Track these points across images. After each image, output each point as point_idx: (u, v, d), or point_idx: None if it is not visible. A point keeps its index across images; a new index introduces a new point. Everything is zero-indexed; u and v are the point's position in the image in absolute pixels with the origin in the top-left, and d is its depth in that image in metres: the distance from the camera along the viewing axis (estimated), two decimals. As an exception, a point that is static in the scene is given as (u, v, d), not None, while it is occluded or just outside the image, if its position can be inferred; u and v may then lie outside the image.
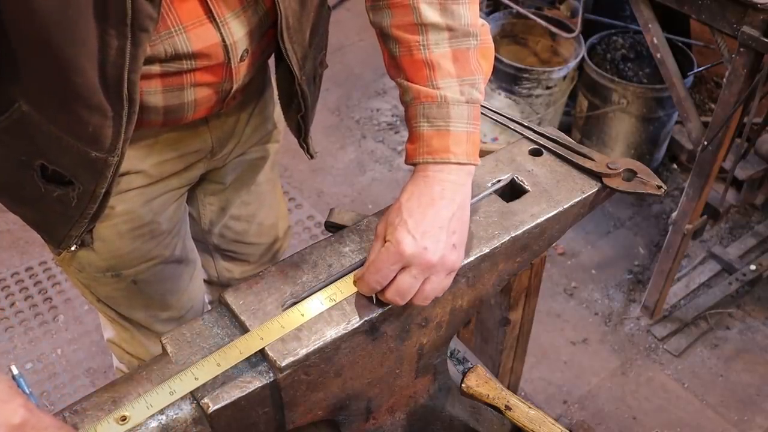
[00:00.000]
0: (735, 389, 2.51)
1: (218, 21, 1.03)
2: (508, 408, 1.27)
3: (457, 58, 1.03)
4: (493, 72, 3.10)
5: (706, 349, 2.64)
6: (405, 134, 3.46)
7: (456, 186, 1.01)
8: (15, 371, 0.88)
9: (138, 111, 1.02)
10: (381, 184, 3.25)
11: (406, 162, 1.05)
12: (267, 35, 1.14)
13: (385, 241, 0.98)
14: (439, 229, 0.98)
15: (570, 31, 2.97)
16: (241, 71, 1.13)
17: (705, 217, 2.46)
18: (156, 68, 1.03)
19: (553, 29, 2.97)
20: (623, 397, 2.49)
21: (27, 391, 0.87)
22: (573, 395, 2.49)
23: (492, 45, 1.17)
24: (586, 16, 2.82)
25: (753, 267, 2.81)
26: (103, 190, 1.10)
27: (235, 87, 1.15)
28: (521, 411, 1.27)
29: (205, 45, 1.04)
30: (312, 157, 1.44)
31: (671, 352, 2.61)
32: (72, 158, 1.05)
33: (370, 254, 1.00)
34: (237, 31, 1.06)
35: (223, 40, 1.05)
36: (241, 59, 1.10)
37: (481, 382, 1.30)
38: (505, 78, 3.06)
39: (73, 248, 1.23)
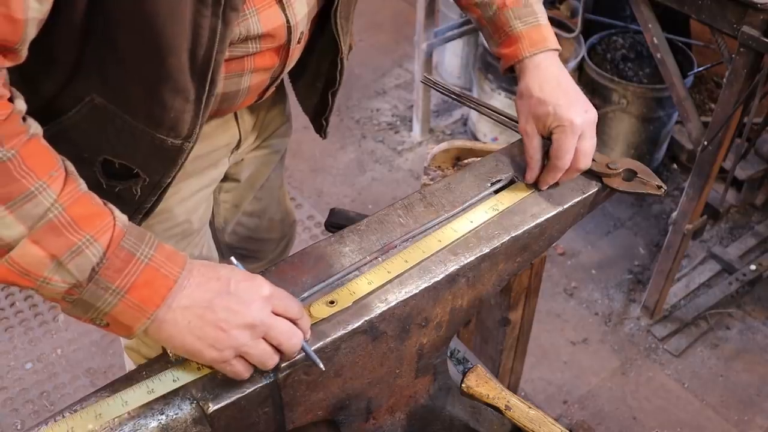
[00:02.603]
0: (735, 389, 2.51)
1: (284, 2, 1.06)
2: (508, 408, 1.27)
3: None
4: (493, 72, 3.10)
5: (706, 349, 2.64)
6: (405, 134, 3.47)
7: (557, 63, 1.21)
8: (235, 261, 0.94)
9: None
10: (381, 184, 3.25)
11: (506, 65, 1.22)
12: (316, 18, 1.18)
13: (550, 131, 1.15)
14: (578, 93, 1.18)
15: (570, 31, 2.97)
16: (294, 54, 1.17)
17: (705, 217, 2.46)
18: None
19: (553, 29, 2.97)
20: (623, 397, 2.49)
21: None
22: (573, 395, 2.49)
23: None
24: (586, 16, 2.82)
25: (753, 267, 2.81)
26: (169, 180, 1.11)
27: (284, 72, 1.19)
28: (521, 411, 1.27)
29: (273, 26, 1.07)
30: (325, 136, 1.46)
31: (671, 352, 2.61)
32: (144, 148, 1.06)
33: (531, 155, 1.18)
34: (299, 12, 1.10)
35: (288, 21, 1.08)
36: (298, 41, 1.14)
37: (481, 382, 1.30)
38: (506, 78, 3.06)
39: None
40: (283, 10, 1.07)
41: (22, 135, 0.81)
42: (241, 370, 0.89)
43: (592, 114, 1.17)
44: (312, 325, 0.96)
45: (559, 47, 1.23)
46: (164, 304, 0.84)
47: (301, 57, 1.23)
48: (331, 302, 0.99)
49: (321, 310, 0.98)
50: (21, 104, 0.84)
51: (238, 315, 0.87)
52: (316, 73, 1.31)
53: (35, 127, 0.85)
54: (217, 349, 0.87)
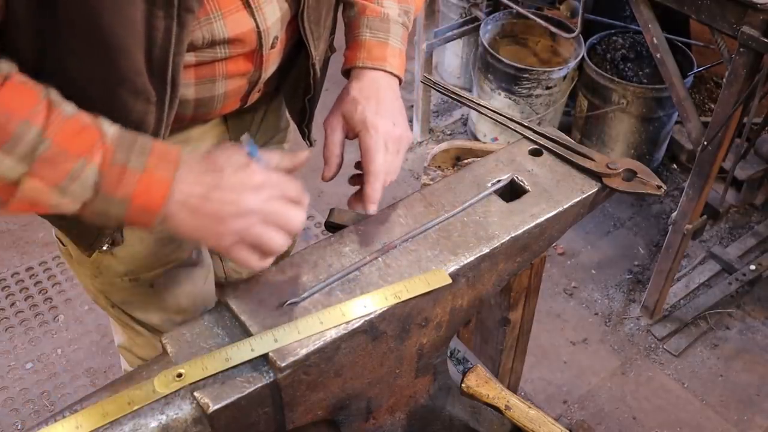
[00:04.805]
0: (735, 389, 2.51)
1: (253, 7, 1.05)
2: (508, 408, 1.27)
3: None
4: (493, 72, 3.11)
5: (706, 349, 2.64)
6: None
7: (389, 84, 1.19)
8: (246, 139, 1.00)
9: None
10: (381, 184, 3.25)
11: (344, 67, 1.21)
12: (292, 22, 1.16)
13: (356, 133, 1.14)
14: (393, 108, 1.17)
15: (570, 31, 2.97)
16: (270, 60, 1.15)
17: (705, 217, 2.47)
18: (191, 58, 1.04)
19: (553, 29, 2.97)
20: (623, 397, 2.49)
21: (256, 156, 1.00)
22: (573, 395, 2.50)
23: None
24: (586, 16, 2.82)
25: (753, 267, 2.81)
26: None
27: (262, 77, 1.17)
28: (521, 411, 1.27)
29: (240, 31, 1.06)
30: (311, 144, 1.45)
31: (671, 352, 2.61)
32: None
33: (330, 149, 1.15)
34: (270, 17, 1.09)
35: (257, 27, 1.07)
36: (272, 46, 1.13)
37: (481, 382, 1.30)
38: (505, 78, 3.07)
39: (104, 248, 1.22)
40: (252, 15, 1.06)
41: None
42: (250, 257, 0.96)
43: (400, 132, 1.16)
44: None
45: (399, 75, 1.21)
46: (166, 203, 0.91)
47: (282, 62, 1.22)
48: (179, 375, 0.93)
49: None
50: None
51: (232, 205, 0.93)
52: (296, 79, 1.30)
53: (7, 67, 0.89)
54: (218, 238, 0.94)
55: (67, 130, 0.88)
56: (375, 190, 1.11)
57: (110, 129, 0.91)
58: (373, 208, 1.11)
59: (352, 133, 1.16)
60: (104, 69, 0.95)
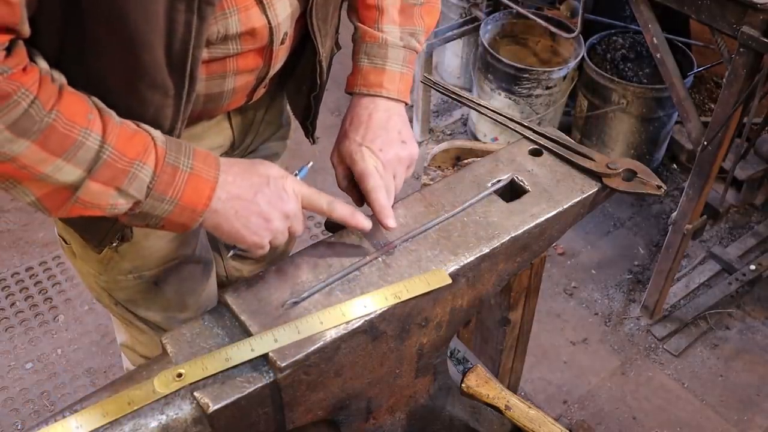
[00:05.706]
0: (735, 389, 2.51)
1: (265, 3, 1.07)
2: (508, 408, 1.27)
3: (403, 10, 1.24)
4: (493, 72, 3.11)
5: (706, 349, 2.64)
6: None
7: (387, 108, 1.20)
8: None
9: None
10: (381, 184, 3.25)
11: (345, 91, 1.23)
12: (300, 19, 1.17)
13: (349, 165, 1.17)
14: (385, 132, 1.18)
15: (570, 31, 2.97)
16: (279, 55, 1.17)
17: (705, 217, 2.47)
18: (204, 54, 1.05)
19: (553, 29, 2.97)
20: (623, 397, 2.49)
21: (300, 176, 1.14)
22: (573, 395, 2.50)
23: (438, 5, 1.33)
24: (586, 16, 2.82)
25: (753, 267, 2.81)
26: None
27: (270, 73, 1.19)
28: (521, 411, 1.27)
29: (253, 27, 1.07)
30: (314, 141, 1.46)
31: (671, 352, 2.61)
32: None
33: (341, 184, 1.21)
34: (281, 13, 1.10)
35: (269, 22, 1.08)
36: (282, 42, 1.14)
37: (481, 382, 1.30)
38: (505, 78, 3.07)
39: (114, 244, 1.22)
40: (264, 11, 1.07)
41: (56, 92, 0.90)
42: (267, 248, 1.06)
43: (392, 155, 1.17)
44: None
45: (398, 98, 1.21)
46: (212, 203, 0.99)
47: (287, 58, 1.22)
48: (179, 375, 0.94)
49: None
50: (43, 62, 0.92)
51: (278, 208, 1.03)
52: (301, 76, 1.31)
53: (59, 77, 0.92)
54: (259, 235, 1.04)
55: (122, 135, 0.94)
56: (378, 202, 1.12)
57: (156, 132, 0.97)
58: (390, 222, 1.11)
59: (348, 164, 1.19)
60: (125, 63, 0.96)
